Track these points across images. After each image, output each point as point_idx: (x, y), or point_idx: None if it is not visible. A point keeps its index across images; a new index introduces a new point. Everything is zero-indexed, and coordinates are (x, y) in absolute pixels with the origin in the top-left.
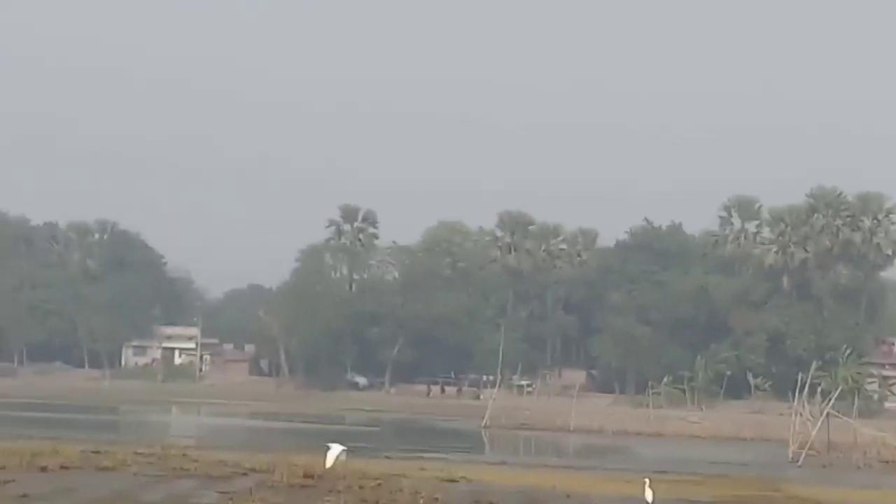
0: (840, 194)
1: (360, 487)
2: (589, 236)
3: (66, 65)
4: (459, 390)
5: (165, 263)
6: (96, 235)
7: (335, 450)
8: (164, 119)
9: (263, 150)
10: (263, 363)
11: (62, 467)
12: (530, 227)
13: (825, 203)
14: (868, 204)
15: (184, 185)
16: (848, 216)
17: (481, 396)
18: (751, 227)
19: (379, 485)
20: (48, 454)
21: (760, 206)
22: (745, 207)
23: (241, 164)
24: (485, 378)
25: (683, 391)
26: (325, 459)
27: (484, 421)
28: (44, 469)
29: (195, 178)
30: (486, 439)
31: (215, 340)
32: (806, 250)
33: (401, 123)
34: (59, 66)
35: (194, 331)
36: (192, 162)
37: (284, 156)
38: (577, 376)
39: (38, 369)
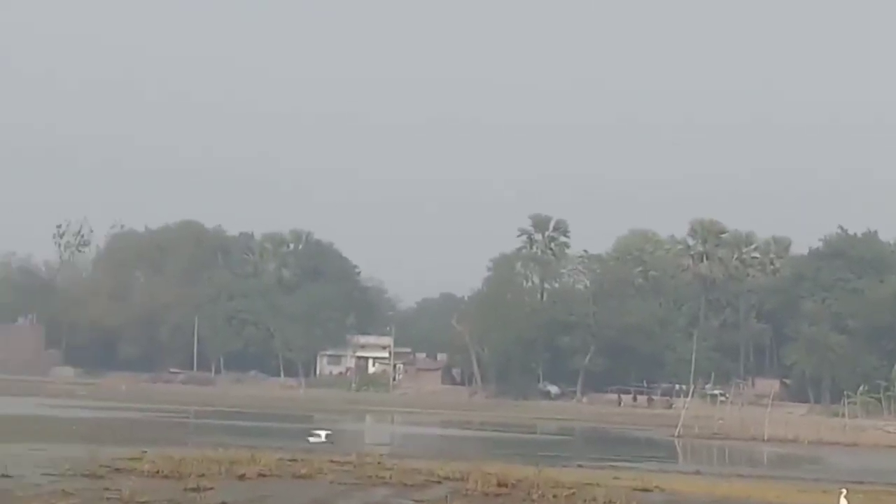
0: None
1: (554, 496)
2: (782, 244)
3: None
4: (650, 399)
5: (359, 273)
6: (291, 245)
7: (319, 435)
8: (344, 147)
9: (461, 170)
10: (456, 372)
11: (260, 475)
12: (722, 235)
13: None
14: None
15: (377, 198)
16: None
17: (673, 406)
18: None
19: (572, 493)
20: (246, 462)
21: None
22: None
23: (436, 182)
24: (677, 387)
25: (879, 400)
26: (313, 441)
27: (676, 430)
28: (242, 477)
29: (386, 192)
30: (678, 449)
31: (408, 349)
32: None
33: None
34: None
35: (388, 340)
36: (385, 177)
37: (483, 176)
38: (771, 385)
39: (234, 378)
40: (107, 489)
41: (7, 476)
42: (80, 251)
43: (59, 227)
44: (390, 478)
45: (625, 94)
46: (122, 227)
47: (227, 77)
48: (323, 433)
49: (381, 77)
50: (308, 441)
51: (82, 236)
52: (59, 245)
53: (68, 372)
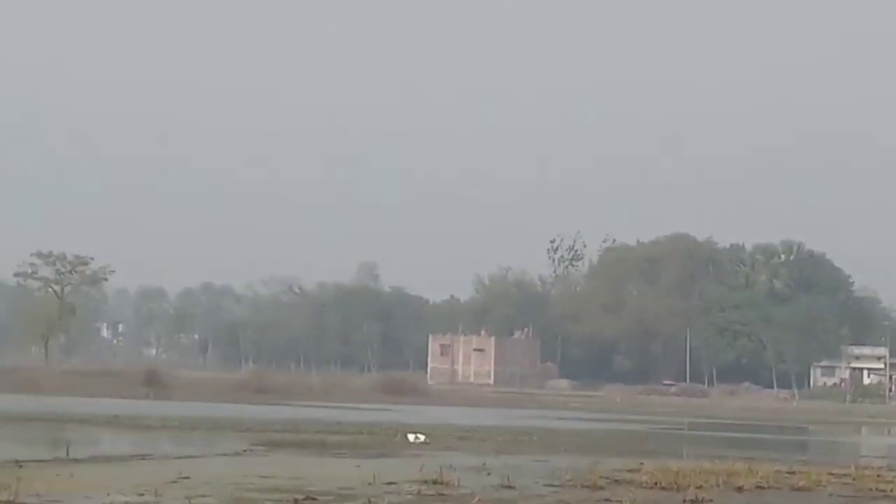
0: None
1: None
2: None
3: None
4: None
5: (853, 284)
6: (782, 256)
7: (420, 438)
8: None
9: None
10: None
11: (757, 487)
12: None
13: None
14: None
15: (872, 207)
16: None
17: None
18: None
19: None
20: (744, 474)
21: None
22: None
23: None
24: None
25: None
26: (413, 439)
27: None
28: (740, 489)
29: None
30: None
31: None
32: None
33: None
34: None
35: (882, 351)
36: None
37: None
38: None
39: (727, 389)
40: (607, 500)
41: (510, 487)
42: (573, 266)
43: (552, 242)
44: (891, 491)
45: None
46: (615, 241)
47: None
48: (422, 436)
49: None
50: (408, 439)
51: (576, 251)
52: (553, 260)
53: (563, 384)
